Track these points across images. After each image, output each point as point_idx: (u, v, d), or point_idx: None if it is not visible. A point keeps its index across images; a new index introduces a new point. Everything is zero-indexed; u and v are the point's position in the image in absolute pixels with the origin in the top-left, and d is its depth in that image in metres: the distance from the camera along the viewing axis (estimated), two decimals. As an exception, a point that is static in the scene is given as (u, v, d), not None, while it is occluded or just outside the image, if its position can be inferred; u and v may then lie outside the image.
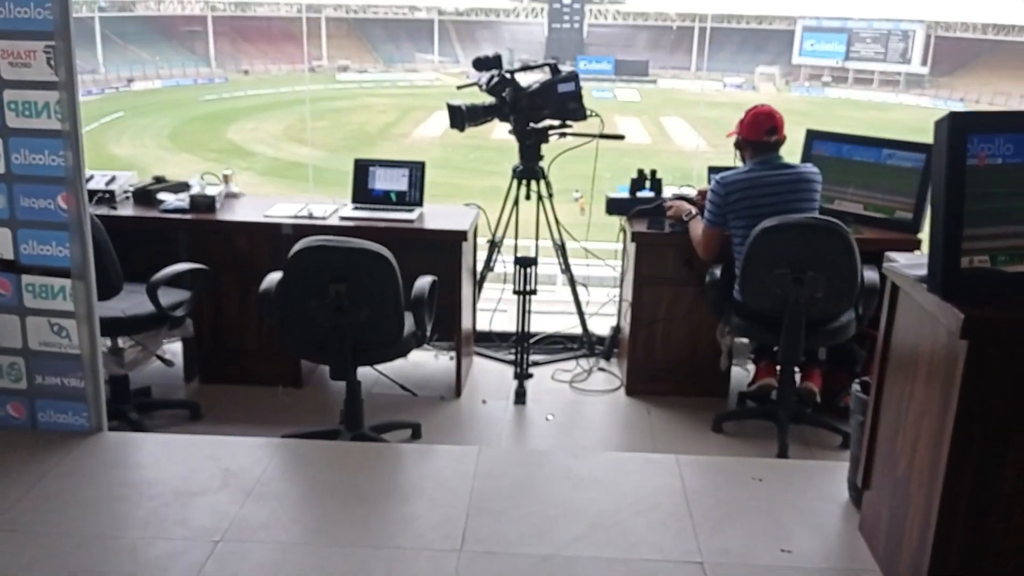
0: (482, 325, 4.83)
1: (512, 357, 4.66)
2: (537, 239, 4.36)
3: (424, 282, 3.58)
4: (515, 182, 4.41)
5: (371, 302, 3.34)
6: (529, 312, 4.29)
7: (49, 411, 3.22)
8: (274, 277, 3.52)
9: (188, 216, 4.16)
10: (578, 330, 4.81)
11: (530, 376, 4.27)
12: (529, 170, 4.33)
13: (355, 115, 46.10)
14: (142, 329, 3.69)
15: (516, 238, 4.32)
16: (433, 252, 4.25)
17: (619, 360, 4.67)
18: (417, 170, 4.38)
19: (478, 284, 4.64)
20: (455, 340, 4.40)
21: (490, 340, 4.83)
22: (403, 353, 3.55)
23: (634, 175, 4.41)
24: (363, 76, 55.68)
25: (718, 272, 3.87)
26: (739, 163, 3.95)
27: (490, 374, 4.58)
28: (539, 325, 4.70)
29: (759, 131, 3.85)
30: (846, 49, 54.09)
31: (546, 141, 4.30)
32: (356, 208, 4.30)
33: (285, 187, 36.75)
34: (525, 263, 4.26)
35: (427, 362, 4.66)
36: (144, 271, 4.21)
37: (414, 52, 60.14)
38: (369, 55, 60.32)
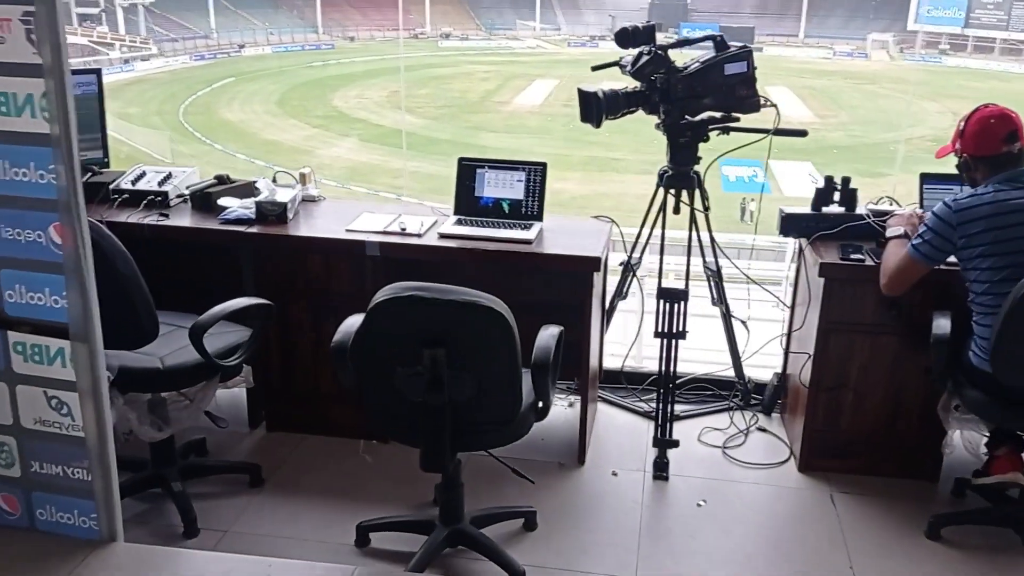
0: (609, 362, 3.82)
1: (646, 408, 3.65)
2: (689, 263, 3.30)
3: (549, 337, 2.59)
4: (661, 190, 3.35)
5: (479, 372, 2.37)
6: (675, 360, 3.26)
7: (50, 508, 2.37)
8: (352, 324, 2.58)
9: (254, 229, 3.25)
10: (729, 373, 3.75)
11: (675, 445, 3.24)
12: (681, 176, 3.26)
13: (456, 82, 45.20)
14: (185, 383, 2.81)
15: (661, 262, 3.27)
16: (556, 281, 3.26)
17: (785, 418, 3.60)
18: (536, 173, 3.37)
19: (607, 315, 3.61)
20: (580, 385, 3.41)
21: (618, 381, 3.82)
22: (519, 434, 2.57)
23: (809, 178, 3.30)
24: (465, 43, 54.67)
25: (947, 324, 2.76)
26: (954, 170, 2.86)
27: (620, 430, 3.57)
28: (681, 364, 3.66)
29: (992, 141, 2.73)
30: (966, 15, 50.28)
31: (705, 139, 3.22)
32: (459, 222, 3.32)
33: (387, 154, 36.24)
34: (672, 297, 3.23)
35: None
36: (197, 297, 3.34)
37: (515, 19, 58.75)
38: (471, 22, 59.22)
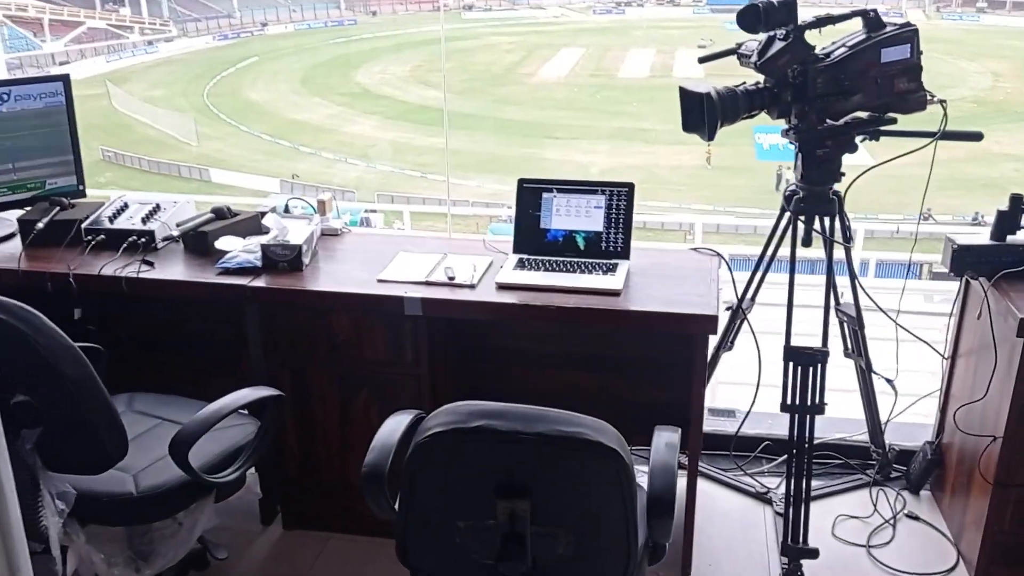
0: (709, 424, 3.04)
1: (758, 486, 2.86)
2: (827, 310, 2.50)
3: (668, 452, 1.82)
4: (786, 216, 2.54)
5: (577, 529, 1.60)
6: (810, 440, 2.46)
7: None
8: (390, 436, 1.82)
9: (260, 281, 2.48)
10: (862, 437, 2.95)
11: (813, 555, 2.45)
12: (817, 198, 2.44)
13: (480, 55, 44.17)
14: (168, 510, 2.07)
15: (790, 313, 2.46)
16: (654, 340, 2.48)
17: (940, 500, 2.80)
18: (621, 197, 2.58)
19: (708, 367, 2.82)
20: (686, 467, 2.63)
21: (720, 448, 3.03)
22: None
23: (993, 199, 2.47)
24: (488, 14, 53.40)
25: None
26: None
27: (728, 519, 2.79)
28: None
29: None
30: (1002, -30, 48.23)
31: (852, 149, 2.39)
32: (521, 264, 2.53)
33: (413, 131, 35.39)
34: (807, 359, 2.42)
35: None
36: (189, 371, 2.63)
37: (538, -12, 57.38)
38: (494, -8, 57.94)
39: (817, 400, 2.43)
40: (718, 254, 2.65)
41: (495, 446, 1.53)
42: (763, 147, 34.36)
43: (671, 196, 29.80)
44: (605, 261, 2.53)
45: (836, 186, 2.47)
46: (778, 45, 2.24)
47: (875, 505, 2.75)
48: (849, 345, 2.74)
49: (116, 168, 34.90)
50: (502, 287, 2.43)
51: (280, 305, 2.49)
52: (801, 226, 2.48)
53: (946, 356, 2.74)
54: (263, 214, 2.80)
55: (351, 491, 2.62)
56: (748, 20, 2.21)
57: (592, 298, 2.35)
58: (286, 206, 2.89)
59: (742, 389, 2.90)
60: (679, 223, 28.31)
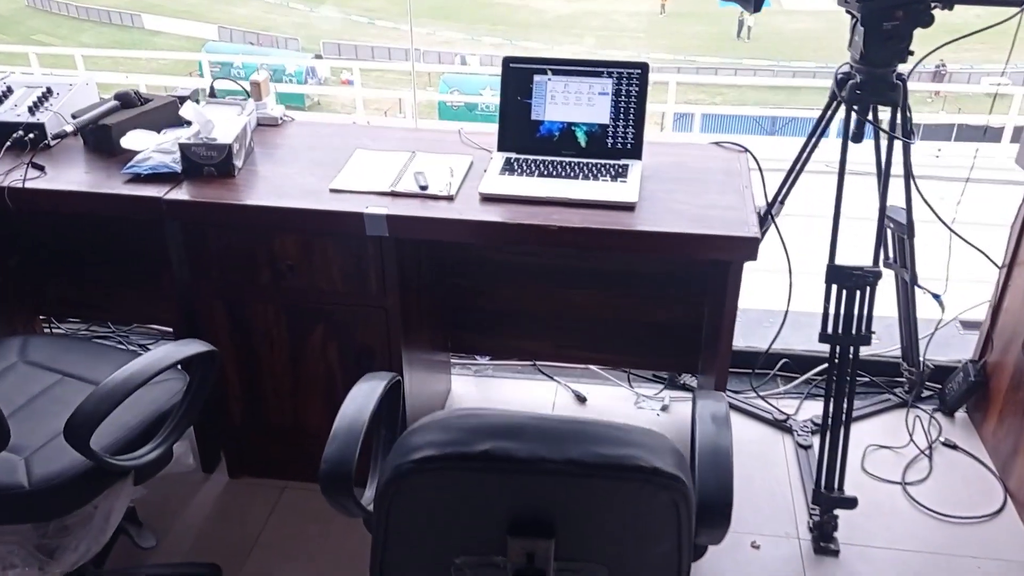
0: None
1: (776, 412, 2.50)
2: (882, 222, 2.05)
3: (717, 424, 1.38)
4: (834, 104, 2.05)
5: (614, 562, 1.18)
6: (853, 377, 2.07)
7: None
8: (357, 414, 1.38)
9: (181, 193, 1.95)
10: (890, 352, 2.58)
11: (851, 504, 2.10)
12: (878, 83, 1.94)
13: None
14: (72, 504, 1.61)
15: (835, 229, 2.00)
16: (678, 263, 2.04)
17: (981, 426, 2.46)
18: (632, 82, 2.05)
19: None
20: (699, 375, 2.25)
21: (746, 365, 2.64)
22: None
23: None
24: None
25: None
26: None
27: (744, 449, 2.43)
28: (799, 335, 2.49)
29: None
30: None
31: (927, 20, 1.88)
32: (509, 167, 2.03)
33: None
34: (853, 281, 1.99)
35: (634, 419, 2.51)
36: (99, 299, 2.17)
37: None
38: None
39: (866, 329, 2.02)
40: (745, 149, 2.17)
41: (509, 477, 1.08)
42: (725, -9, 32.98)
43: (630, 44, 28.68)
44: (613, 162, 2.04)
45: (900, 68, 1.96)
46: None
47: (911, 435, 2.40)
48: (892, 254, 2.31)
49: (42, 15, 32.45)
50: (487, 199, 1.92)
51: (206, 224, 1.96)
52: (854, 117, 1.99)
53: (1002, 265, 2.33)
54: (181, 100, 2.22)
55: (307, 435, 2.20)
56: None
57: (601, 214, 1.87)
58: (211, 89, 2.30)
59: (753, 297, 2.48)
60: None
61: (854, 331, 2.01)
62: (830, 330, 2.03)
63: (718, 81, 19.51)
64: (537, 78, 2.07)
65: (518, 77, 2.08)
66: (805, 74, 25.17)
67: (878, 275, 1.98)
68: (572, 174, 2.00)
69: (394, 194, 1.93)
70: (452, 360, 2.69)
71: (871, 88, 1.95)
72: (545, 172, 2.01)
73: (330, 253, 1.95)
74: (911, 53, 1.93)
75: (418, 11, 31.07)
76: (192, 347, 1.63)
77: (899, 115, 1.98)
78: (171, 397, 1.73)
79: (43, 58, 8.72)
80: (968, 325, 2.64)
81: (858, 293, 1.99)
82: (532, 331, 2.53)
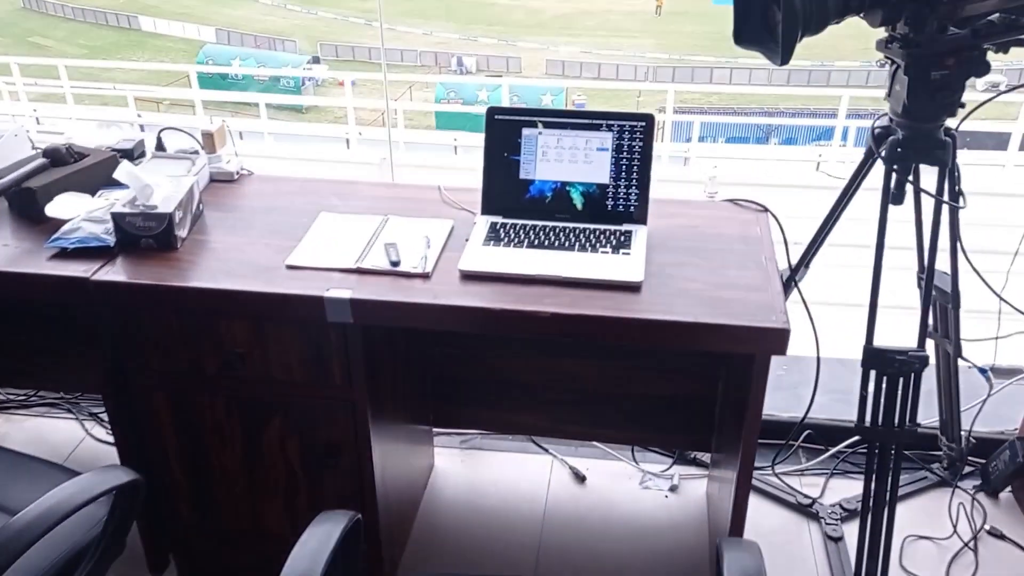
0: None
1: (801, 495, 2.22)
2: (928, 297, 1.76)
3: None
4: (869, 160, 1.77)
5: None
6: (895, 477, 1.78)
7: None
8: (312, 555, 1.10)
9: (115, 274, 1.66)
10: (931, 422, 2.29)
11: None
12: (924, 140, 1.65)
13: None
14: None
15: (874, 302, 1.71)
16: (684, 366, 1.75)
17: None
18: (635, 136, 1.76)
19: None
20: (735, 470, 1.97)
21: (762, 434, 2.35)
22: None
23: None
24: None
25: None
26: None
27: (766, 538, 2.13)
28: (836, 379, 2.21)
29: None
30: None
31: (982, 70, 1.58)
32: (495, 235, 1.73)
33: (354, -26, 32.81)
34: (892, 367, 1.71)
35: (640, 501, 2.23)
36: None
37: None
38: None
39: (908, 421, 1.73)
40: (764, 208, 1.88)
41: None
42: (722, -10, 32.63)
43: (625, 44, 28.37)
44: (614, 228, 1.75)
45: (950, 123, 1.67)
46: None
47: (954, 525, 2.11)
48: (936, 324, 2.02)
49: (38, 17, 32.12)
50: (468, 276, 1.64)
51: (143, 309, 1.67)
52: (895, 177, 1.70)
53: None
54: (123, 154, 1.94)
55: (267, 540, 1.91)
56: None
57: (601, 295, 1.58)
58: (158, 140, 2.01)
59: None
60: (633, 67, 27.13)
61: (896, 423, 1.73)
62: (868, 420, 1.74)
63: (710, 89, 19.17)
64: (526, 131, 1.78)
65: (504, 130, 1.79)
66: (800, 71, 24.92)
67: (925, 361, 1.70)
68: (567, 243, 1.71)
69: (360, 271, 1.64)
70: (436, 430, 2.40)
71: (915, 146, 1.66)
72: (536, 241, 1.72)
73: (286, 340, 1.66)
74: (962, 105, 1.64)
75: (412, 11, 30.77)
76: (112, 478, 1.34)
77: (947, 176, 1.68)
78: (90, 529, 1.44)
79: (25, 68, 8.41)
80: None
81: (900, 381, 1.71)
82: (525, 404, 2.24)
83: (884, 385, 1.72)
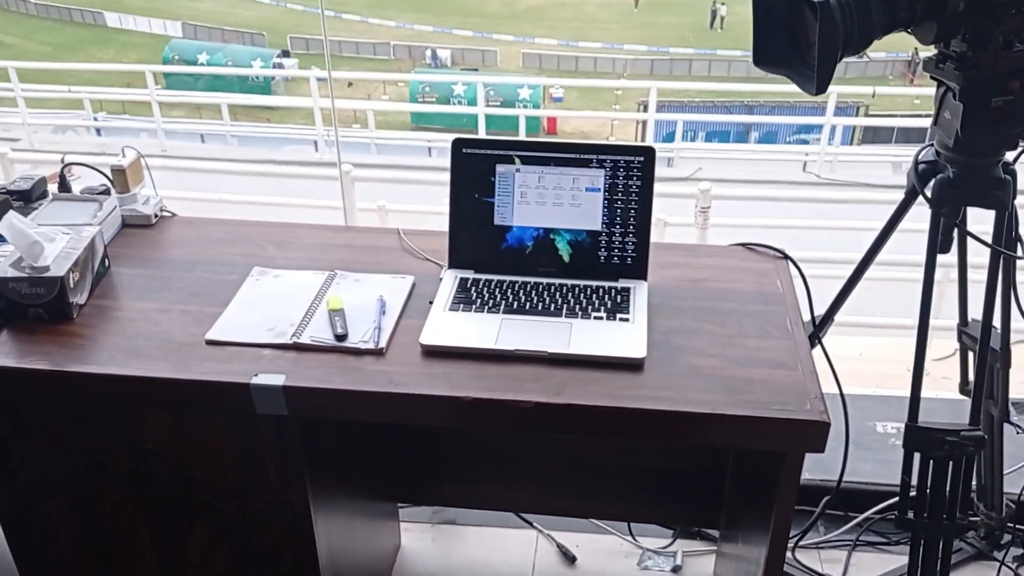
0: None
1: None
2: (983, 364, 1.48)
3: None
4: (910, 196, 1.48)
5: None
6: (946, 566, 1.50)
7: None
8: None
9: (0, 354, 1.34)
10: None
11: None
12: (976, 178, 1.37)
13: None
14: None
15: (920, 357, 1.43)
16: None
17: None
18: (632, 174, 1.46)
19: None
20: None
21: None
22: None
23: None
24: None
25: None
26: None
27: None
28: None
29: None
30: None
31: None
32: (465, 296, 1.43)
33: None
34: (940, 449, 1.43)
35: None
36: None
37: None
38: None
39: (959, 512, 1.45)
40: (784, 255, 1.59)
41: None
42: (698, -19, 32.42)
43: (602, 36, 28.05)
44: (609, 285, 1.45)
45: (1010, 158, 1.39)
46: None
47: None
48: (971, 378, 1.74)
49: (1, 14, 31.32)
50: (431, 352, 1.33)
51: (33, 396, 1.36)
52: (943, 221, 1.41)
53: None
54: (16, 196, 1.62)
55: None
56: None
57: (596, 375, 1.28)
58: (60, 177, 1.68)
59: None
60: (612, 60, 26.82)
61: (946, 515, 1.45)
62: (912, 512, 1.46)
63: (692, 87, 18.98)
64: (501, 169, 1.48)
65: (474, 167, 1.49)
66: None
67: (981, 442, 1.42)
68: (552, 306, 1.41)
69: (298, 347, 1.34)
70: (403, 506, 2.10)
71: (968, 185, 1.38)
72: (514, 304, 1.42)
73: (210, 435, 1.35)
74: (1024, 148, 1.35)
75: (386, 4, 30.30)
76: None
77: (1006, 220, 1.40)
78: None
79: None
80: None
81: (950, 465, 1.43)
82: (507, 476, 1.94)
83: (931, 469, 1.44)
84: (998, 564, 1.92)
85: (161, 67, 17.04)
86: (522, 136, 9.13)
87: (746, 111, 18.06)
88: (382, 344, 1.34)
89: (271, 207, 4.31)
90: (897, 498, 1.81)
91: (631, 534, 2.04)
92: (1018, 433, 1.75)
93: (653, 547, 2.01)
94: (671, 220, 3.77)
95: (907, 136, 11.89)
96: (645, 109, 9.25)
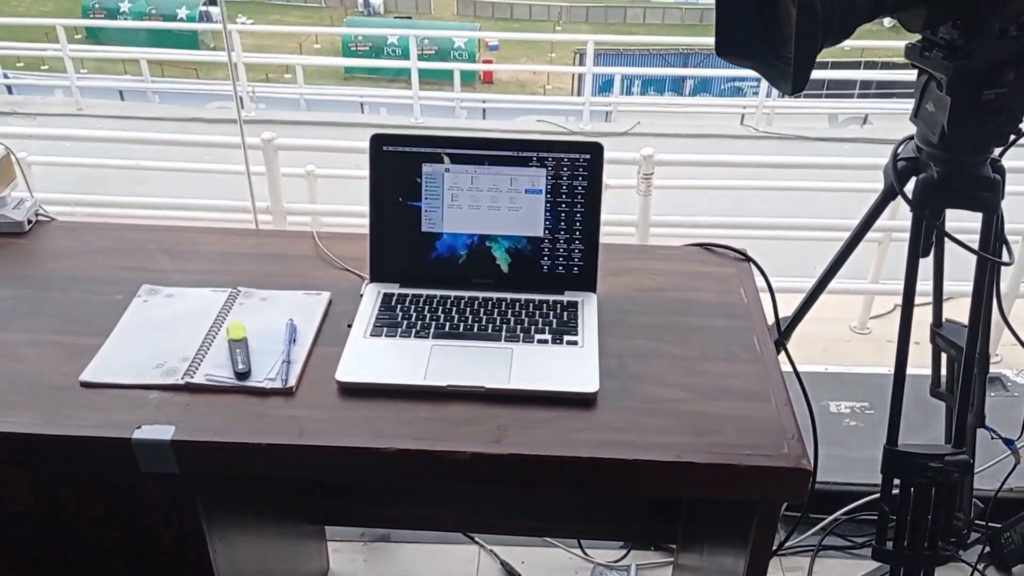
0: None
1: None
2: (967, 374, 1.34)
3: None
4: (888, 195, 1.31)
5: None
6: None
7: None
8: None
9: None
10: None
11: None
12: (959, 179, 1.21)
13: None
14: None
15: (900, 383, 1.28)
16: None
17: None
18: (578, 170, 1.26)
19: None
20: None
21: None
22: None
23: None
24: None
25: None
26: None
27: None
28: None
29: None
30: None
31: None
32: (389, 316, 1.23)
33: None
34: (923, 475, 1.29)
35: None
36: None
37: None
38: None
39: (942, 541, 1.32)
40: (745, 256, 1.41)
41: None
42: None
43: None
44: (554, 299, 1.27)
45: (998, 155, 1.23)
46: None
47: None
48: (944, 383, 1.61)
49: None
50: (349, 390, 1.13)
51: None
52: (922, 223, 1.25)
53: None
54: None
55: None
56: None
57: (542, 414, 1.10)
58: (-91, 179, 1.42)
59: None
60: (547, 7, 26.28)
61: (927, 545, 1.31)
62: (891, 542, 1.33)
63: (628, 40, 18.76)
64: (428, 169, 1.27)
65: (398, 167, 1.27)
66: (712, 11, 24.59)
67: (966, 467, 1.28)
68: (490, 327, 1.22)
69: (192, 388, 1.12)
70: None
71: (955, 186, 1.22)
72: (446, 326, 1.22)
73: (85, 495, 1.13)
74: (1020, 133, 1.19)
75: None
76: None
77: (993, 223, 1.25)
78: None
79: None
80: None
81: (933, 492, 1.29)
82: (447, 495, 1.76)
83: (912, 496, 1.30)
84: (968, 568, 1.81)
85: (74, 21, 16.18)
86: (457, 88, 8.83)
87: (681, 59, 17.94)
88: (291, 382, 1.13)
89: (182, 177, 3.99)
90: (863, 499, 1.70)
91: (580, 547, 1.88)
92: (992, 439, 1.62)
93: (604, 560, 1.86)
94: (612, 183, 3.59)
95: (840, 86, 11.85)
96: (581, 58, 8.99)
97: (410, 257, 1.30)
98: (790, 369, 1.23)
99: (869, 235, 1.45)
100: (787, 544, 1.89)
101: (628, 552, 1.88)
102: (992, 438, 1.63)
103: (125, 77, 10.29)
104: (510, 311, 1.25)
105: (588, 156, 1.26)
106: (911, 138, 1.27)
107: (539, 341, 1.20)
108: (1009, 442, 1.62)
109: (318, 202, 3.65)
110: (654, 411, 1.11)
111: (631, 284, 1.35)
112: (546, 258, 1.29)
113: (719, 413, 1.11)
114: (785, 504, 1.80)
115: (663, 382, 1.16)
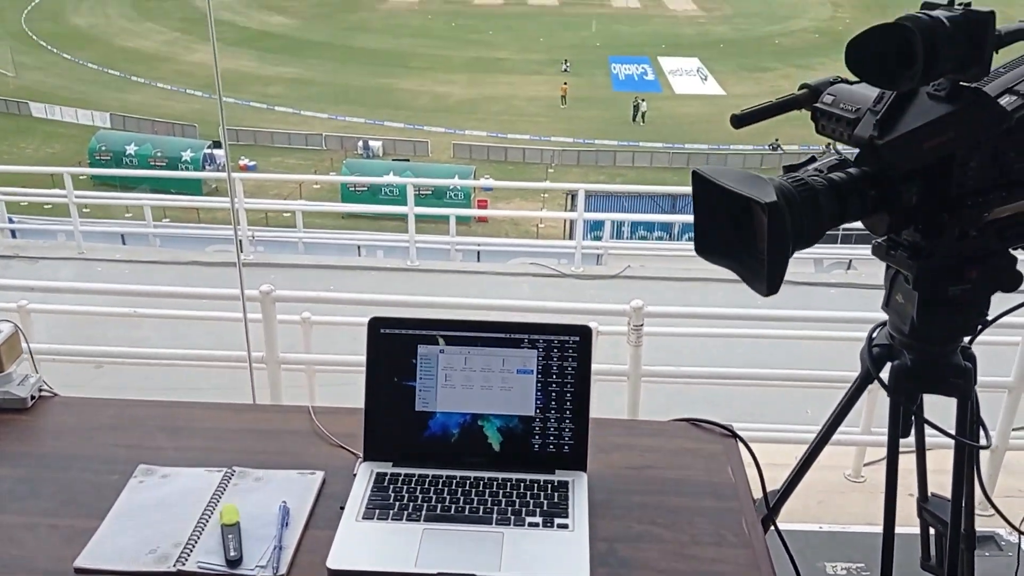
0: None
1: None
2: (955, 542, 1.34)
3: None
4: (864, 380, 1.35)
5: None
6: None
7: None
8: None
9: None
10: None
11: None
12: (932, 367, 1.25)
13: (330, -24, 41.27)
14: None
15: (890, 535, 1.28)
16: None
17: None
18: (568, 352, 1.30)
19: None
20: None
21: None
22: None
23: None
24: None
25: None
26: None
27: None
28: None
29: None
30: (837, -100, 48.42)
31: (1015, 281, 1.20)
32: (382, 498, 1.24)
33: (254, 59, 32.52)
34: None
35: None
36: None
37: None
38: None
39: None
40: (730, 431, 1.44)
41: None
42: (619, 78, 33.60)
43: (530, 128, 28.59)
44: (545, 479, 1.28)
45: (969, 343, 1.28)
46: (935, 108, 0.99)
47: None
48: (933, 557, 1.61)
49: (-81, 105, 30.53)
50: (341, 577, 1.13)
51: None
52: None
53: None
54: None
55: None
56: (878, 64, 0.95)
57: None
58: (-83, 356, 1.46)
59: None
60: (540, 151, 27.25)
61: None
62: None
63: (618, 189, 19.51)
64: (423, 350, 1.31)
65: (394, 348, 1.31)
66: (698, 155, 25.52)
67: None
68: (482, 510, 1.23)
69: (183, 575, 1.12)
70: None
71: (928, 375, 1.26)
72: (438, 508, 1.23)
73: None
74: (987, 323, 1.24)
75: (318, 97, 30.47)
76: None
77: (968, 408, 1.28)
78: None
79: None
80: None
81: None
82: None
83: None
84: None
85: (80, 170, 16.70)
86: (452, 232, 9.04)
87: (669, 201, 18.53)
88: (282, 570, 1.13)
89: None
90: None
91: None
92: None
93: None
94: (603, 330, 3.64)
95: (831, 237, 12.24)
96: (573, 200, 9.23)
97: (404, 435, 1.32)
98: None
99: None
100: None
101: None
102: (986, 615, 1.61)
103: (127, 221, 10.54)
104: (501, 491, 1.26)
105: (577, 338, 1.31)
106: (884, 324, 1.33)
107: (530, 524, 1.21)
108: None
109: (312, 351, 3.69)
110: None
111: (621, 461, 1.37)
112: (537, 437, 1.32)
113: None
114: None
115: (654, 568, 1.16)
